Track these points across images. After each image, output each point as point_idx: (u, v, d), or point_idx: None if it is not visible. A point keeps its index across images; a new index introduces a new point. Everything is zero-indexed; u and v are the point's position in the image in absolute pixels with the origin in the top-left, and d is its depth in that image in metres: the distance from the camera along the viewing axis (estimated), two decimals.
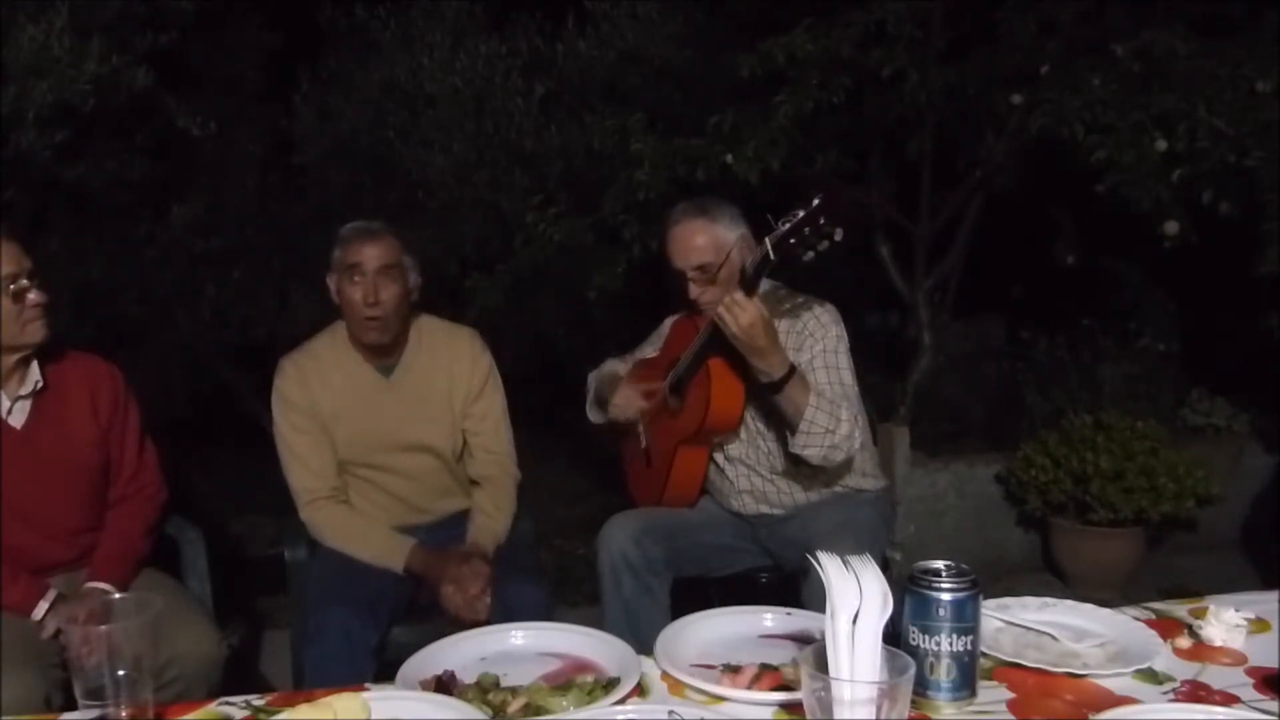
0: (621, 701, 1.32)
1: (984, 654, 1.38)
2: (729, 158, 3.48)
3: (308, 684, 2.12)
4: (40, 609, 2.02)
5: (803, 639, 1.49)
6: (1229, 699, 1.32)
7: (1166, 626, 1.53)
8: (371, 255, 2.30)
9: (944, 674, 1.30)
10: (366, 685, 1.39)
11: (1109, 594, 3.29)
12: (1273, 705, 1.30)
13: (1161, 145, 3.22)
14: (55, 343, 2.09)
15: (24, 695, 1.80)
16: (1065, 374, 4.22)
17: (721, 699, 1.34)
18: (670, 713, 1.26)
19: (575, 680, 1.38)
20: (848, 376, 2.31)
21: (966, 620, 1.30)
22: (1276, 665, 1.40)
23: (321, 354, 2.43)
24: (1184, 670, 1.41)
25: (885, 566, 1.33)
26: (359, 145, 4.46)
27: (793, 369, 2.16)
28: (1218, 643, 1.47)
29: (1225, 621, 1.47)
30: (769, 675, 1.38)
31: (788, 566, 2.40)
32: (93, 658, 1.26)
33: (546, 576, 2.81)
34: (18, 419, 2.06)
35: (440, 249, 4.30)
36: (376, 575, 2.30)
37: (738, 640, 1.54)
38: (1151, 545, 3.86)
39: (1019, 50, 3.64)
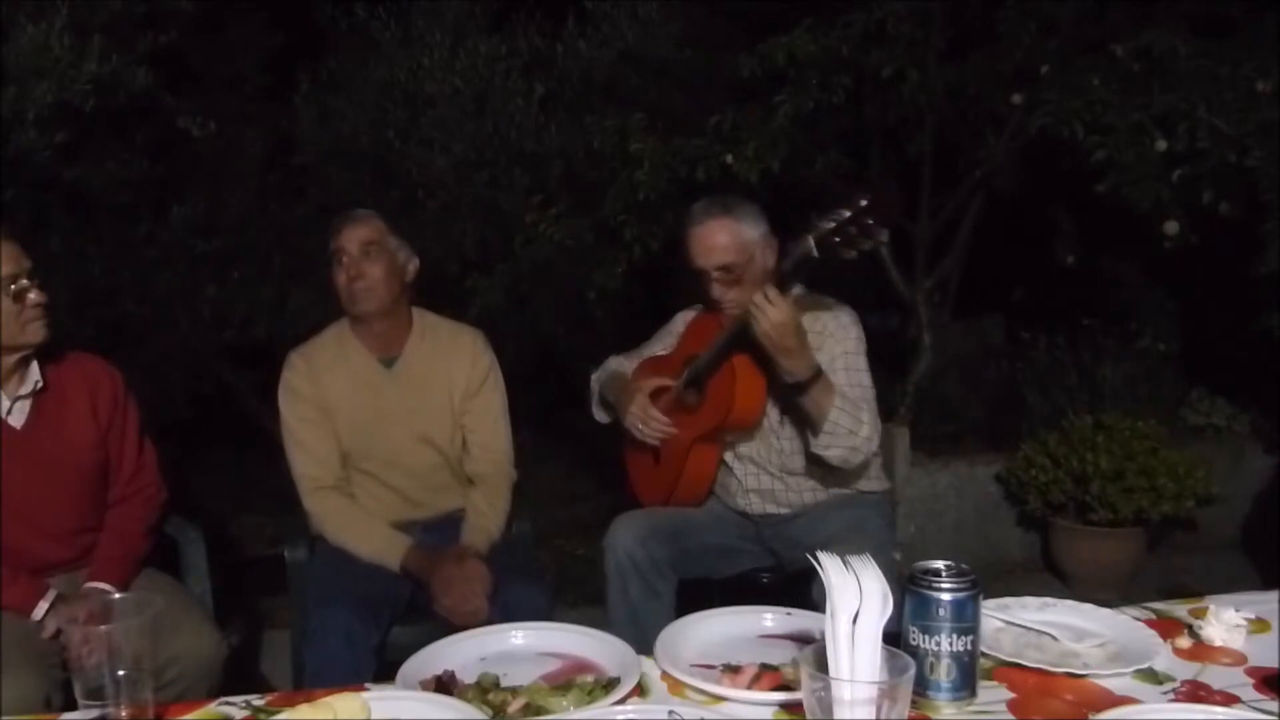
0: (621, 701, 1.32)
1: (984, 654, 1.38)
2: (729, 158, 3.48)
3: (307, 684, 2.12)
4: (40, 609, 2.01)
5: (803, 639, 1.49)
6: (1229, 699, 1.32)
7: (1166, 626, 1.53)
8: (354, 237, 2.35)
9: (944, 674, 1.30)
10: (366, 685, 1.39)
11: (1109, 594, 3.29)
12: (1273, 705, 1.30)
13: (1161, 145, 3.22)
14: (55, 343, 2.09)
15: (24, 695, 1.80)
16: (1065, 374, 4.22)
17: (721, 699, 1.34)
18: (670, 713, 1.26)
19: (575, 680, 1.38)
20: (866, 379, 2.30)
21: (966, 620, 1.30)
22: (1276, 665, 1.40)
23: (328, 347, 2.46)
24: (1184, 670, 1.41)
25: (888, 569, 1.32)
26: (359, 145, 4.46)
27: (819, 371, 2.16)
28: (1218, 643, 1.47)
29: (1225, 621, 1.47)
30: (769, 675, 1.38)
31: (791, 567, 2.40)
32: (93, 658, 1.26)
33: (546, 576, 2.81)
34: (17, 419, 2.06)
35: (440, 249, 4.29)
36: (376, 575, 2.30)
37: (738, 640, 1.54)
38: (1151, 545, 3.86)
39: (1019, 50, 3.65)
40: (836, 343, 2.30)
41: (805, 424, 2.27)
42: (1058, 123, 3.34)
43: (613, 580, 2.32)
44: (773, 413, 2.36)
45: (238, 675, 2.21)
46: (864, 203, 1.90)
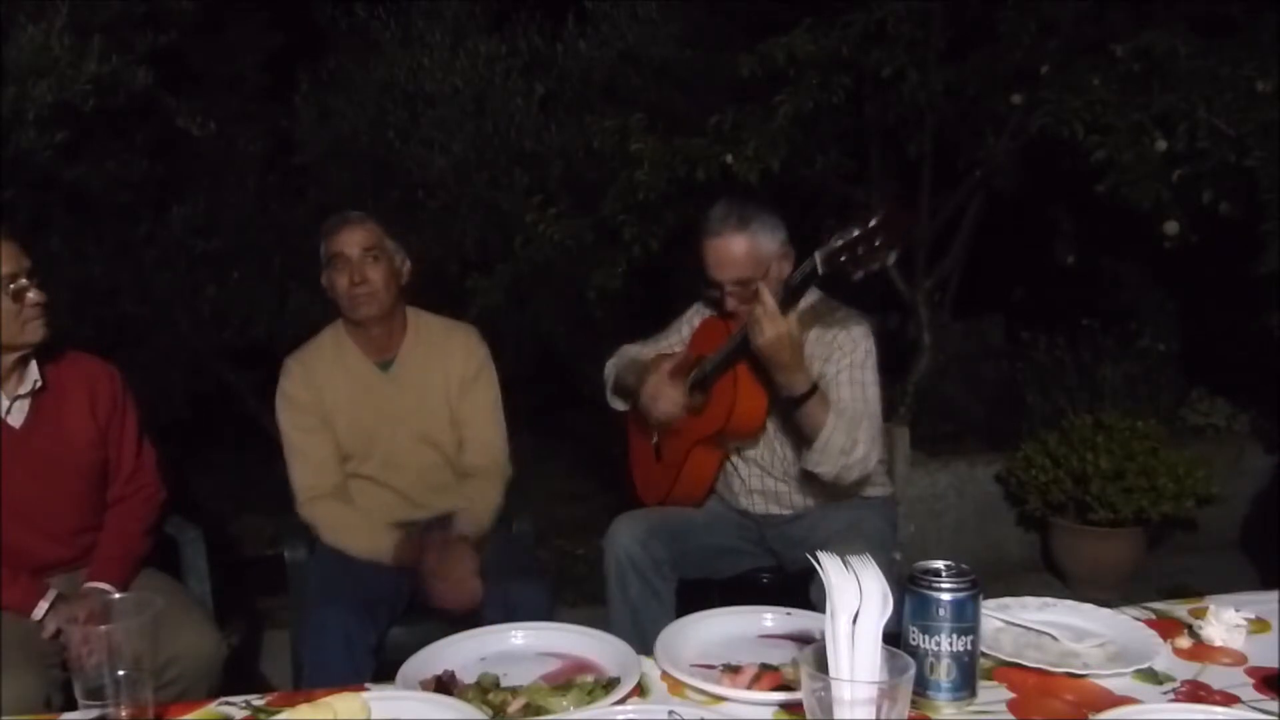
0: (621, 701, 1.32)
1: (984, 654, 1.38)
2: (729, 158, 3.48)
3: (306, 683, 2.12)
4: (40, 609, 2.02)
5: (803, 639, 1.49)
6: (1229, 699, 1.32)
7: (1166, 626, 1.53)
8: (353, 241, 2.34)
9: (944, 674, 1.30)
10: (366, 685, 1.39)
11: (1109, 594, 3.29)
12: (1273, 705, 1.30)
13: (1161, 145, 3.22)
14: (54, 342, 2.10)
15: (24, 695, 1.80)
16: (1065, 374, 4.22)
17: (721, 699, 1.34)
18: (670, 713, 1.26)
19: (575, 680, 1.38)
20: (872, 393, 2.28)
21: (966, 620, 1.30)
22: (1276, 665, 1.40)
23: (324, 351, 2.46)
24: (1184, 670, 1.41)
25: (888, 570, 1.32)
26: (359, 145, 4.46)
27: (814, 388, 2.15)
28: (1218, 643, 1.47)
29: (1225, 621, 1.47)
30: (769, 675, 1.38)
31: (791, 567, 2.40)
32: (93, 658, 1.26)
33: (546, 576, 2.81)
34: (16, 418, 2.07)
35: (440, 249, 4.30)
36: (375, 575, 2.30)
37: (738, 640, 1.54)
38: (1151, 545, 3.86)
39: (1019, 50, 3.64)
40: (844, 355, 2.28)
41: (799, 439, 2.26)
42: (1058, 123, 3.34)
43: (612, 580, 2.32)
44: (777, 419, 2.36)
45: (238, 675, 2.21)
46: (874, 223, 1.85)
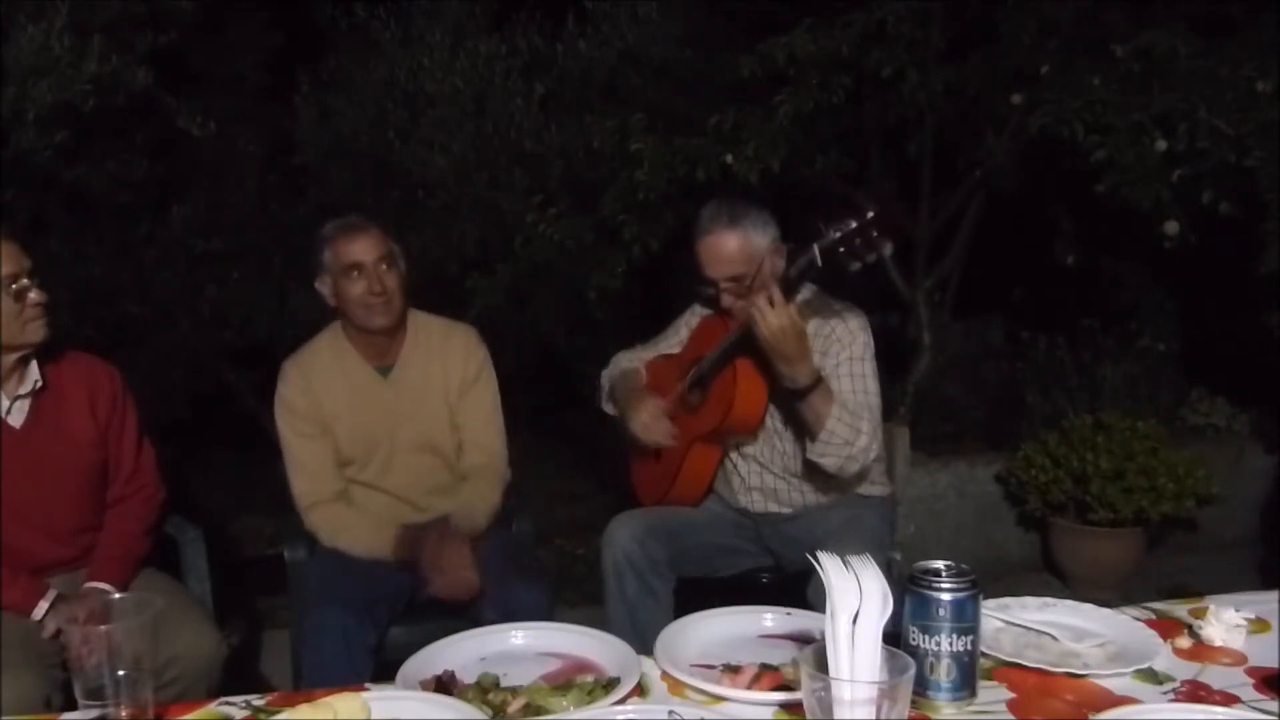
0: (621, 701, 1.32)
1: (984, 654, 1.38)
2: (729, 158, 3.48)
3: (304, 683, 2.12)
4: (40, 609, 2.02)
5: (803, 639, 1.49)
6: (1229, 699, 1.32)
7: (1166, 626, 1.53)
8: (367, 249, 2.32)
9: (944, 674, 1.30)
10: (366, 685, 1.39)
11: (1109, 594, 3.29)
12: (1273, 705, 1.30)
13: (1161, 145, 3.22)
14: (54, 342, 2.10)
15: (24, 695, 1.80)
16: (1065, 374, 4.22)
17: (721, 699, 1.34)
18: (670, 713, 1.26)
19: (575, 680, 1.38)
20: (872, 385, 2.29)
21: (966, 620, 1.30)
22: (1276, 665, 1.40)
23: (322, 355, 2.44)
24: (1184, 670, 1.41)
25: (887, 567, 1.33)
26: (359, 145, 4.46)
27: (818, 378, 2.16)
28: (1218, 643, 1.47)
29: (1225, 621, 1.47)
30: (769, 675, 1.38)
31: (790, 567, 2.41)
32: (93, 658, 1.26)
33: (547, 576, 2.81)
34: (16, 418, 2.07)
35: (440, 249, 4.30)
36: (375, 574, 2.30)
37: (738, 640, 1.54)
38: (1151, 545, 3.86)
39: (1019, 50, 3.64)
40: (843, 348, 2.29)
41: (803, 430, 2.26)
42: (1058, 123, 3.33)
43: (610, 579, 2.32)
44: (776, 415, 2.36)
45: (238, 675, 2.21)
46: (871, 215, 1.88)
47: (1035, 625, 1.54)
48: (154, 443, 2.32)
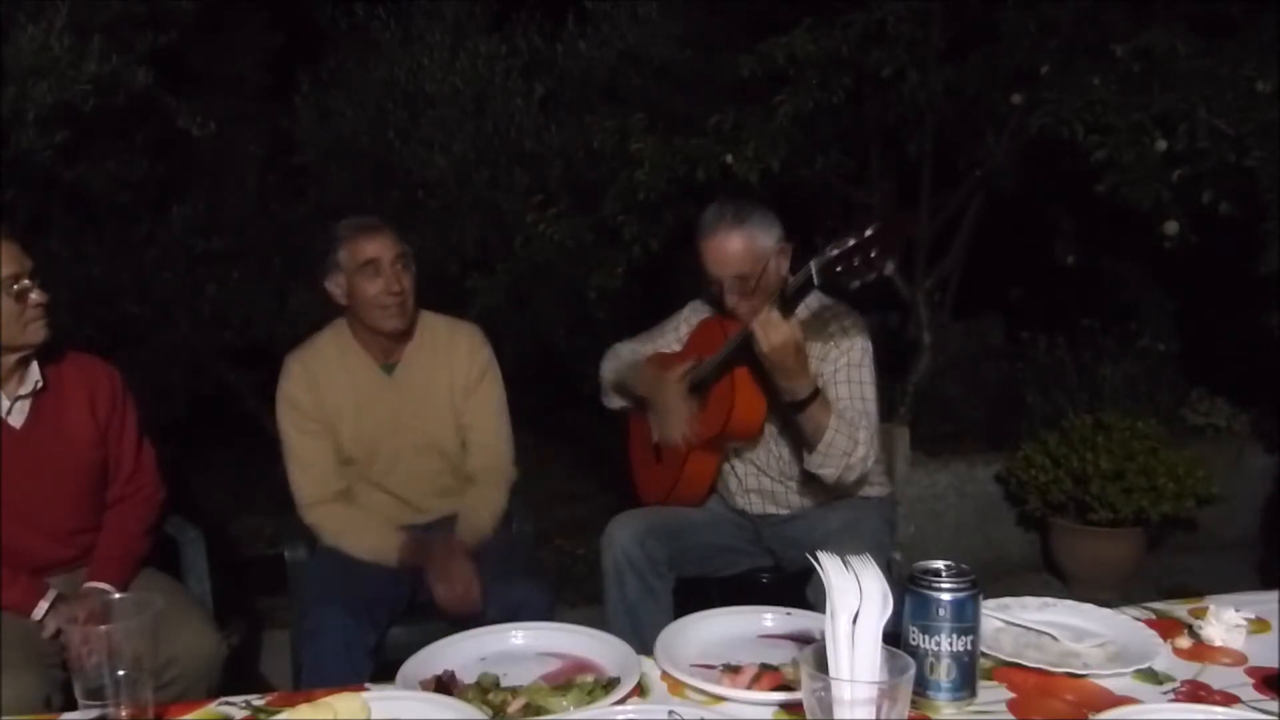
0: (621, 701, 1.32)
1: (984, 654, 1.38)
2: (729, 158, 3.48)
3: (304, 684, 2.12)
4: (40, 609, 2.02)
5: (803, 639, 1.49)
6: (1229, 699, 1.32)
7: (1166, 626, 1.53)
8: (384, 247, 2.32)
9: (944, 674, 1.30)
10: (366, 685, 1.39)
11: (1109, 594, 3.29)
12: (1273, 705, 1.30)
13: (1161, 145, 3.22)
14: (54, 343, 2.09)
15: (24, 695, 1.80)
16: (1065, 374, 4.22)
17: (721, 699, 1.34)
18: (670, 713, 1.26)
19: (575, 680, 1.38)
20: (869, 391, 2.29)
21: (966, 620, 1.30)
22: (1276, 665, 1.40)
23: (326, 352, 2.43)
24: (1184, 670, 1.41)
25: (887, 567, 1.33)
26: (359, 145, 4.46)
27: (816, 391, 2.15)
28: (1218, 643, 1.47)
29: (1225, 621, 1.47)
30: (769, 675, 1.38)
31: (790, 567, 2.41)
32: (93, 658, 1.26)
33: (547, 576, 2.81)
34: (17, 419, 2.07)
35: (440, 249, 4.30)
36: (375, 575, 2.30)
37: (738, 640, 1.54)
38: (1151, 545, 3.86)
39: (1019, 50, 3.64)
40: (841, 354, 2.29)
41: (801, 441, 2.27)
42: (1058, 123, 3.33)
43: (609, 579, 2.32)
44: (774, 421, 2.36)
45: (238, 675, 2.21)
46: (869, 233, 1.85)
47: (1035, 625, 1.54)
48: (154, 443, 2.32)
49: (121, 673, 1.26)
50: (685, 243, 2.41)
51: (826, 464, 2.21)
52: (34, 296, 1.99)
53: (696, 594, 2.36)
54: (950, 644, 1.30)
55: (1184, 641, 1.48)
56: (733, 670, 1.40)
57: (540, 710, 1.31)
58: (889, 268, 1.89)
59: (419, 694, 1.34)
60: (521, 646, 1.55)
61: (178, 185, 4.16)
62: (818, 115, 3.57)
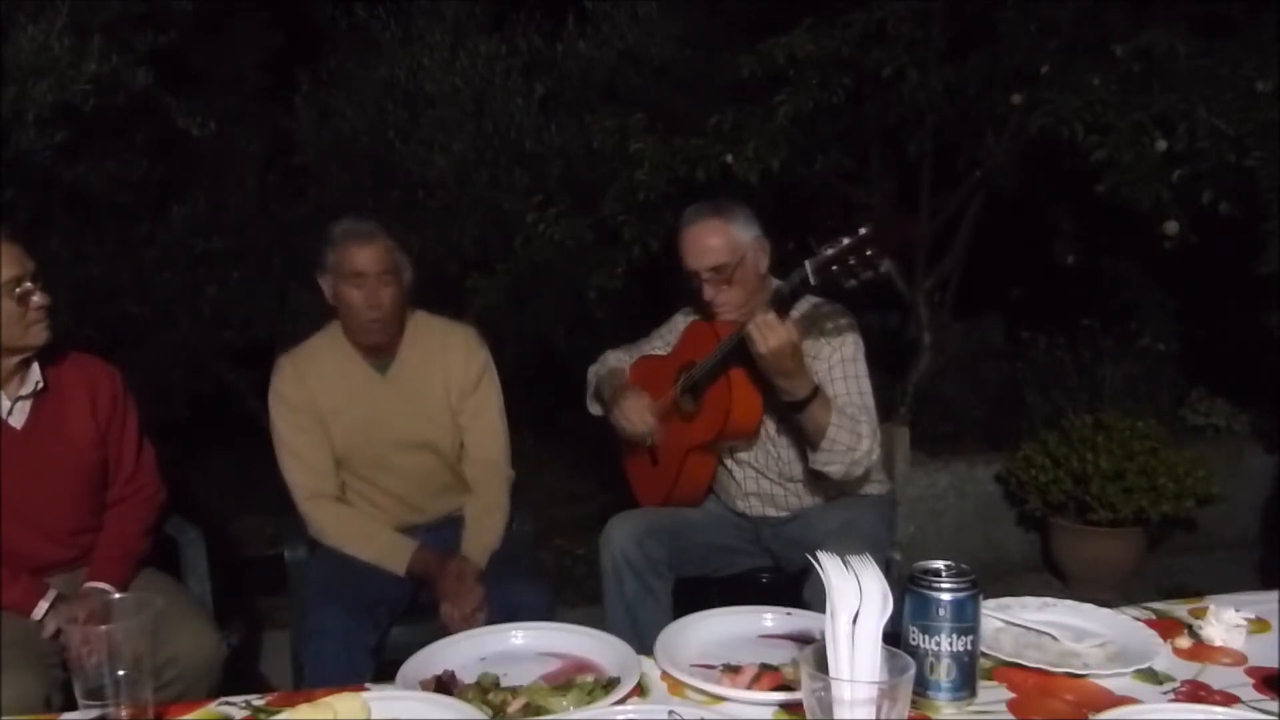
0: (621, 701, 1.32)
1: (984, 654, 1.38)
2: (729, 158, 3.48)
3: (305, 684, 2.12)
4: (40, 609, 2.02)
5: (803, 639, 1.49)
6: (1229, 699, 1.32)
7: (1166, 626, 1.53)
8: (370, 261, 2.31)
9: (944, 674, 1.30)
10: (366, 685, 1.39)
11: (1109, 594, 3.29)
12: (1273, 705, 1.30)
13: (1161, 145, 3.22)
14: (55, 343, 2.09)
15: (24, 695, 1.80)
16: (1065, 374, 4.22)
17: (721, 699, 1.34)
18: (670, 713, 1.26)
19: (575, 680, 1.38)
20: (866, 385, 2.30)
21: (966, 620, 1.30)
22: (1276, 665, 1.40)
23: (318, 352, 2.43)
24: (1184, 670, 1.41)
25: (886, 567, 1.33)
26: (359, 145, 4.46)
27: (816, 390, 2.16)
28: (1218, 643, 1.47)
29: (1225, 621, 1.47)
30: (769, 675, 1.38)
31: (789, 568, 2.41)
32: (93, 658, 1.26)
33: (546, 576, 2.81)
34: (18, 419, 2.07)
35: (440, 249, 4.30)
36: (375, 575, 2.30)
37: (738, 640, 1.54)
38: (1151, 545, 3.86)
39: (1019, 50, 3.64)
40: (833, 350, 2.30)
41: (804, 440, 2.27)
42: (1058, 123, 3.33)
43: (608, 578, 2.32)
44: (771, 422, 2.36)
45: (238, 675, 2.21)
46: (863, 232, 1.87)
47: (1035, 625, 1.54)
48: (154, 443, 2.32)
49: (121, 673, 1.26)
50: (674, 238, 2.42)
51: (832, 461, 2.21)
52: (36, 299, 1.99)
53: (696, 594, 2.36)
54: (950, 644, 1.30)
55: (1184, 641, 1.48)
56: (733, 670, 1.40)
57: (540, 710, 1.31)
58: (883, 267, 1.89)
59: (419, 694, 1.34)
60: (521, 646, 1.55)
61: (178, 185, 4.15)
62: (818, 115, 3.57)
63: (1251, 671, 1.40)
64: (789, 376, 2.10)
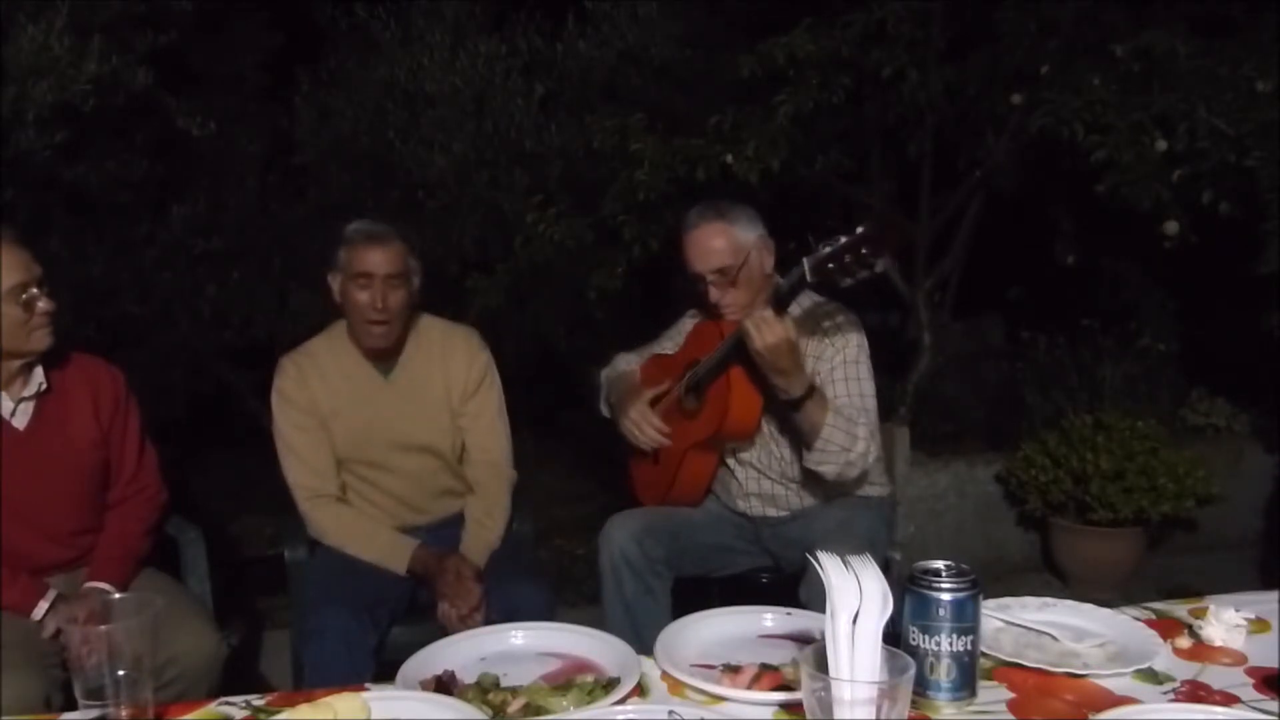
0: (621, 701, 1.32)
1: (984, 654, 1.38)
2: (729, 158, 3.48)
3: (306, 684, 2.12)
4: (40, 609, 2.02)
5: (803, 639, 1.49)
6: (1229, 699, 1.32)
7: (1166, 626, 1.53)
8: (380, 263, 2.30)
9: (944, 674, 1.30)
10: (366, 685, 1.39)
11: (1109, 594, 3.29)
12: (1273, 705, 1.30)
13: (1161, 145, 3.22)
14: (57, 344, 2.09)
15: (24, 695, 1.80)
16: (1065, 374, 4.22)
17: (721, 699, 1.34)
18: (670, 713, 1.26)
19: (575, 680, 1.38)
20: (868, 387, 2.30)
21: (966, 620, 1.30)
22: (1276, 665, 1.40)
23: (321, 353, 2.43)
24: (1184, 670, 1.41)
25: (886, 567, 1.33)
26: (359, 145, 4.46)
27: (812, 388, 2.16)
28: (1218, 643, 1.47)
29: (1225, 621, 1.47)
30: (769, 675, 1.38)
31: (789, 568, 2.41)
32: (93, 658, 1.26)
33: (546, 576, 2.80)
34: (21, 420, 2.07)
35: (440, 249, 4.30)
36: (376, 575, 2.30)
37: (738, 640, 1.54)
38: (1151, 545, 3.86)
39: (1019, 50, 3.64)
40: (836, 351, 2.30)
41: (799, 439, 2.27)
42: (1058, 123, 3.33)
43: (607, 578, 2.32)
44: (772, 421, 2.36)
45: (238, 675, 2.21)
46: (860, 231, 1.87)
47: (1035, 625, 1.54)
48: (155, 443, 2.32)
49: (121, 673, 1.26)
50: (677, 240, 2.43)
51: (825, 461, 2.21)
52: (42, 305, 1.99)
53: (696, 594, 2.36)
54: (950, 644, 1.30)
55: (1184, 641, 1.48)
56: (733, 670, 1.40)
57: (540, 710, 1.31)
58: (881, 265, 1.89)
59: (419, 694, 1.34)
60: (521, 646, 1.55)
61: (178, 185, 4.15)
62: (818, 115, 3.57)
63: (1251, 671, 1.40)
64: (785, 374, 2.10)
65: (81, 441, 2.14)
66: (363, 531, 2.36)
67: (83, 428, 2.14)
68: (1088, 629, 1.53)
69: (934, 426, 4.26)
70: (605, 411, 2.65)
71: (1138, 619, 1.55)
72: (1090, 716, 1.26)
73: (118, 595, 1.92)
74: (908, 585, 1.32)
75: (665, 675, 1.41)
